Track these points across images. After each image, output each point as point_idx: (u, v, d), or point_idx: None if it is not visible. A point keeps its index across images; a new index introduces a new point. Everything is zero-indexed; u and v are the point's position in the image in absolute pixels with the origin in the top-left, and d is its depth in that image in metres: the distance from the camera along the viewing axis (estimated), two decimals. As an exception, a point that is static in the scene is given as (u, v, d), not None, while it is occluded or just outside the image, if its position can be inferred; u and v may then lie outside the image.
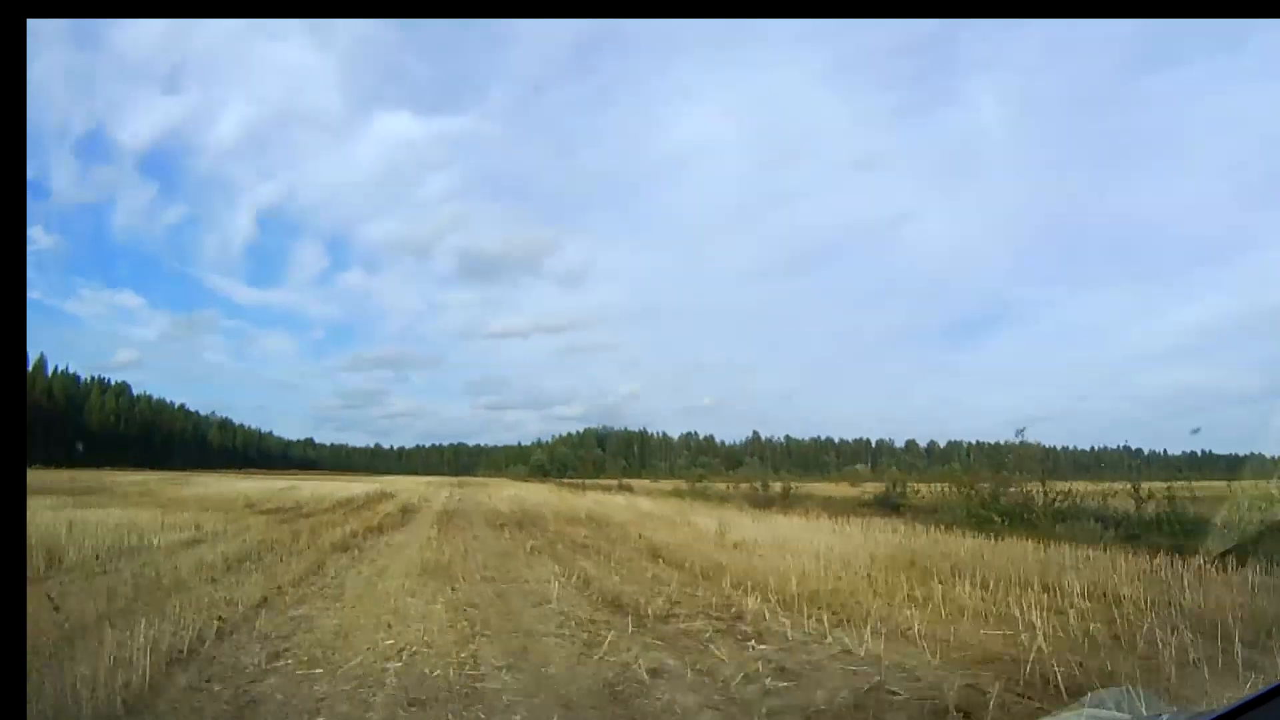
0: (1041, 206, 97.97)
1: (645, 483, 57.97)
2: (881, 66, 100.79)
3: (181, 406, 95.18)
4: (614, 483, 49.35)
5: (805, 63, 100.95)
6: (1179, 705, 3.09)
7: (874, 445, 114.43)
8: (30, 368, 66.13)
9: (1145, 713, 1.90)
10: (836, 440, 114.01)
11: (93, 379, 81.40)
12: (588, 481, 56.83)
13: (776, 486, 32.84)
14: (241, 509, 18.50)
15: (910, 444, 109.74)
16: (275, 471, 68.75)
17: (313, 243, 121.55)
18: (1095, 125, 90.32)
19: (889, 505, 23.15)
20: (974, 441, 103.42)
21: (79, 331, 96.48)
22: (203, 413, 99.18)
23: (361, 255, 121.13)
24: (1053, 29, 65.30)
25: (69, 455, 46.36)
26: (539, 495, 31.14)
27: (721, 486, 36.15)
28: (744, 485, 34.54)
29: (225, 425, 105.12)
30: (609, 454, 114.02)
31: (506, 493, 31.64)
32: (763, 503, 26.79)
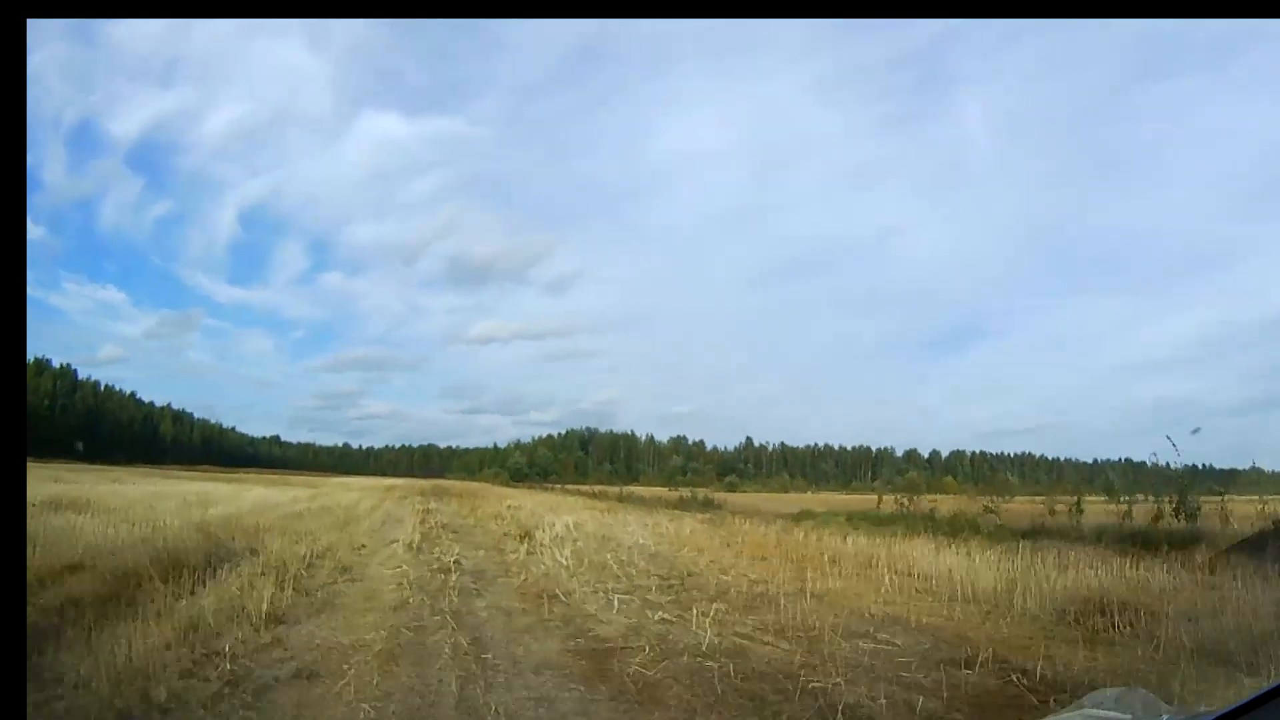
0: (1031, 219, 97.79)
1: (714, 492, 40.33)
2: (874, 79, 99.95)
3: (132, 395, 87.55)
4: (679, 494, 31.30)
5: (798, 74, 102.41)
6: (1179, 705, 2.50)
7: (875, 454, 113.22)
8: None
9: (1145, 713, 1.78)
10: (836, 447, 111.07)
11: (33, 360, 71.79)
12: (621, 490, 38.69)
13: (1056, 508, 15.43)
14: None
15: (911, 453, 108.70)
16: (224, 470, 59.68)
17: (297, 242, 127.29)
18: (1084, 138, 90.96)
19: None
20: (978, 451, 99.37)
21: (64, 326, 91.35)
22: (158, 404, 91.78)
23: (346, 256, 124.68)
24: (1043, 43, 62.19)
25: None
26: (618, 528, 13.39)
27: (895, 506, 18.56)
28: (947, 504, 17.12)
29: (181, 418, 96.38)
30: (592, 458, 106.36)
31: (555, 518, 13.58)
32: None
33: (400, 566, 7.43)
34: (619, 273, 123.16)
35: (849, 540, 10.38)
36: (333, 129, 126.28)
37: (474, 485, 49.04)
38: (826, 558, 8.27)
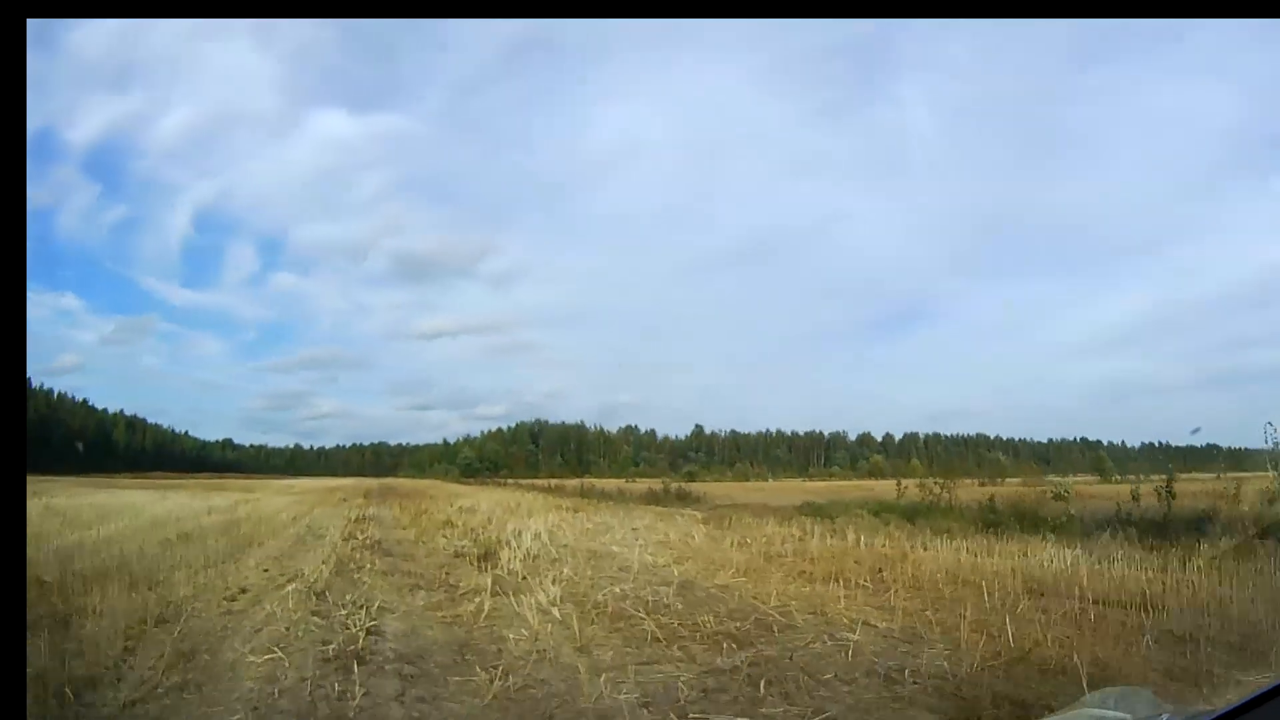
0: (975, 203, 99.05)
1: (680, 482, 37.70)
2: (815, 68, 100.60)
3: (84, 402, 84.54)
4: (648, 486, 28.28)
5: (738, 64, 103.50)
6: (1179, 705, 2.39)
7: (827, 439, 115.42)
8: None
9: (1145, 713, 1.77)
10: (788, 433, 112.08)
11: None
12: (581, 484, 35.57)
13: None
14: None
15: (864, 437, 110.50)
16: (176, 476, 56.71)
17: (247, 243, 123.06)
18: (1027, 122, 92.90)
19: None
20: (931, 433, 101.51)
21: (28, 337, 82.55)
22: (111, 411, 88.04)
23: (294, 256, 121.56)
24: (983, 28, 62.56)
25: None
26: (604, 537, 10.47)
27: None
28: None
29: (134, 425, 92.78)
30: (543, 450, 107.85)
31: (520, 524, 10.47)
32: None
33: (275, 651, 4.20)
34: (562, 265, 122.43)
35: (944, 546, 7.66)
36: (280, 128, 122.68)
37: (423, 483, 45.27)
38: (958, 580, 5.50)
